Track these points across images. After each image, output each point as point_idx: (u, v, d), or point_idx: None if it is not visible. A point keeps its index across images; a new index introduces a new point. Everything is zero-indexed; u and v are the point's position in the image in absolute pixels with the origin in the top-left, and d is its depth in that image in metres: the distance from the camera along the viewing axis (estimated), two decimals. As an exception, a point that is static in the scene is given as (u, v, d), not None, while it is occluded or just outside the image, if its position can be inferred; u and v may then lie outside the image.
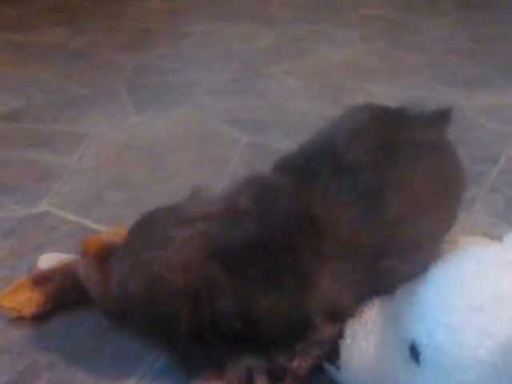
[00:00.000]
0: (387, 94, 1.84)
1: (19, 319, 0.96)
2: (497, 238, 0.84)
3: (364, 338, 0.78)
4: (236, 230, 0.75)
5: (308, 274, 0.75)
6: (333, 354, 0.79)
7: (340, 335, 0.79)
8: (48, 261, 1.06)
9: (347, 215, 0.77)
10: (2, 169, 1.42)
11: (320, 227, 0.76)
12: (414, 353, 0.74)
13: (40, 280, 0.99)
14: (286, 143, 1.47)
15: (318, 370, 0.82)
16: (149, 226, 0.79)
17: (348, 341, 0.78)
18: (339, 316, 0.77)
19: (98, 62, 2.11)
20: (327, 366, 0.81)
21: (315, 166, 0.80)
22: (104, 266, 0.83)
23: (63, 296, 0.99)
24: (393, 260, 0.79)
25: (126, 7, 2.84)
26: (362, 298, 0.79)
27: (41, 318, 0.97)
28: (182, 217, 0.78)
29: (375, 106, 0.94)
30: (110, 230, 1.12)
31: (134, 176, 1.39)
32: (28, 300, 0.97)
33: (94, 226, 1.20)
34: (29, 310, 0.97)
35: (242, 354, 0.78)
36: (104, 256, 0.84)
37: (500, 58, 2.25)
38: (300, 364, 0.78)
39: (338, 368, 0.79)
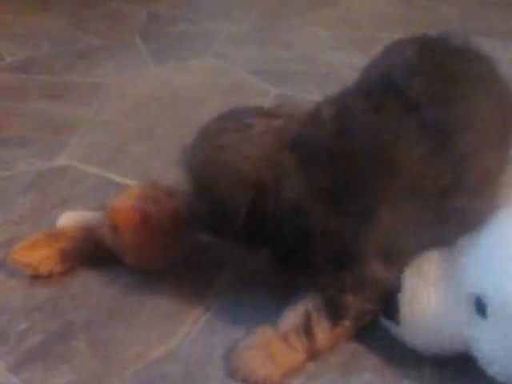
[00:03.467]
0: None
1: (44, 276, 0.95)
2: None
3: (425, 292, 0.77)
4: (316, 131, 0.77)
5: (372, 204, 0.75)
6: (391, 308, 0.79)
7: (397, 288, 0.78)
8: (69, 219, 1.04)
9: (417, 152, 0.77)
10: (16, 121, 1.41)
11: (391, 161, 0.76)
12: (480, 306, 0.73)
13: (59, 237, 0.97)
14: (317, 95, 1.45)
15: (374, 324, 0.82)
16: (227, 116, 0.83)
17: (407, 294, 0.78)
18: (394, 259, 0.77)
19: (107, 10, 2.09)
20: (385, 321, 0.81)
21: (381, 100, 0.80)
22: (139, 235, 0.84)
23: (83, 256, 0.97)
24: (463, 198, 0.79)
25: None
26: (424, 244, 0.79)
27: (61, 275, 0.96)
28: (264, 112, 0.82)
29: (423, 38, 0.94)
30: (137, 184, 1.12)
31: (156, 128, 1.38)
32: (45, 257, 0.95)
33: (118, 179, 1.20)
34: (45, 267, 0.95)
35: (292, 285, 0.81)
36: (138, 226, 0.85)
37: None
38: (354, 301, 0.78)
39: (398, 323, 0.79)
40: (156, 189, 0.91)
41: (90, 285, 0.95)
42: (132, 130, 1.37)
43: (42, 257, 0.95)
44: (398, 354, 0.81)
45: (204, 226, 0.83)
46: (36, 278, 0.95)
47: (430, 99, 0.81)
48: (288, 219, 0.76)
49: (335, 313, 0.79)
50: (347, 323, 0.79)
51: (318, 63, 1.69)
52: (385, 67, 0.87)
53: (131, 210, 0.88)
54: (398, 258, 0.78)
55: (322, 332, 0.78)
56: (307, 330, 0.78)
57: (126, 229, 0.87)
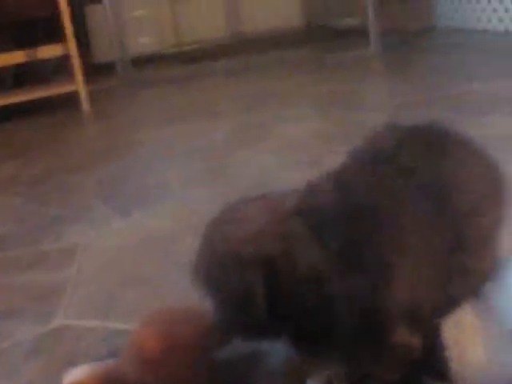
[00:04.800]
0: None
1: None
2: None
3: (471, 343, 0.76)
4: (318, 199, 0.76)
5: (387, 264, 0.73)
6: (442, 370, 0.76)
7: (433, 347, 0.76)
8: (77, 375, 0.99)
9: (417, 211, 0.77)
10: (2, 295, 1.36)
11: (396, 221, 0.76)
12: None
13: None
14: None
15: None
16: (217, 225, 0.80)
17: (455, 351, 0.76)
18: (417, 322, 0.75)
19: (55, 183, 2.09)
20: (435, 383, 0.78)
21: (375, 168, 0.81)
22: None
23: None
24: (464, 256, 0.79)
25: (68, 132, 2.85)
26: (438, 302, 0.78)
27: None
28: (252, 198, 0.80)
29: (402, 125, 0.97)
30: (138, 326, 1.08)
31: (142, 272, 1.35)
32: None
33: (120, 326, 1.15)
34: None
35: (319, 356, 0.75)
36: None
37: (447, 102, 2.34)
38: (383, 370, 0.75)
39: (451, 382, 0.76)
40: (175, 313, 0.88)
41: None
42: (118, 278, 1.34)
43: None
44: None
45: (232, 329, 0.79)
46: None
47: (422, 164, 0.82)
48: (307, 291, 0.73)
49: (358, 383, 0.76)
50: None
51: (274, 186, 1.71)
52: (372, 146, 0.88)
53: (159, 335, 0.84)
54: (420, 320, 0.76)
55: None
56: None
57: (156, 357, 0.83)
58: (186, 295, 1.15)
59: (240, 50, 4.51)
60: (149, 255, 1.44)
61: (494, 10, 4.15)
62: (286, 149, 2.06)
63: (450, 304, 0.80)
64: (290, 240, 0.73)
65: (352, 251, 0.73)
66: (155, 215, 1.67)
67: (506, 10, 4.07)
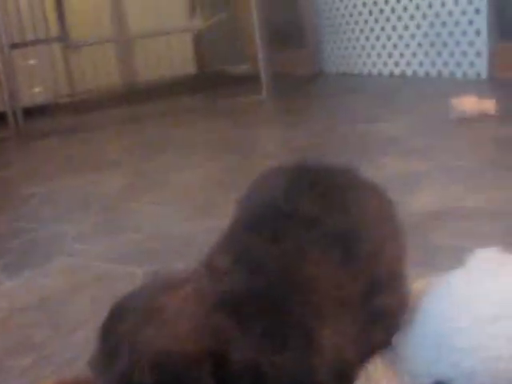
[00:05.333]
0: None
1: None
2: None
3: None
4: (231, 283, 0.71)
5: (310, 332, 0.72)
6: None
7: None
8: None
9: (327, 265, 0.74)
10: None
11: (308, 283, 0.73)
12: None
13: None
14: (182, 265, 1.43)
15: None
16: (125, 311, 0.72)
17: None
18: (346, 375, 0.73)
19: None
20: None
21: (272, 228, 0.78)
22: None
23: None
24: (380, 296, 0.78)
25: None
26: (364, 352, 0.76)
27: None
28: (161, 287, 0.72)
29: (295, 163, 0.94)
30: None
31: (33, 337, 1.27)
32: None
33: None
34: None
35: None
36: None
37: (341, 145, 2.37)
38: None
39: None
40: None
41: None
42: (7, 344, 1.25)
43: None
44: None
45: None
46: None
47: (322, 212, 0.80)
48: (242, 381, 0.69)
49: None
50: None
51: (171, 237, 1.67)
52: (264, 195, 0.85)
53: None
54: (350, 372, 0.74)
55: None
56: None
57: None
58: (79, 364, 1.09)
59: (134, 99, 4.45)
60: (40, 318, 1.35)
61: (378, 56, 4.29)
62: (182, 197, 2.02)
63: (372, 353, 0.79)
64: (220, 334, 0.68)
65: (274, 330, 0.70)
66: (48, 273, 1.58)
67: (390, 56, 4.21)
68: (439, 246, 1.37)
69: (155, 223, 1.81)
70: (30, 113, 4.22)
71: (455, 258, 1.14)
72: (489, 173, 1.83)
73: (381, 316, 0.78)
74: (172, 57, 4.92)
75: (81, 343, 1.19)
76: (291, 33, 5.10)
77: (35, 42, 4.33)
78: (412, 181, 1.83)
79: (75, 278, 1.53)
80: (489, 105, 2.53)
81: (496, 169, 1.87)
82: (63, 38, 3.89)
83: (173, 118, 3.64)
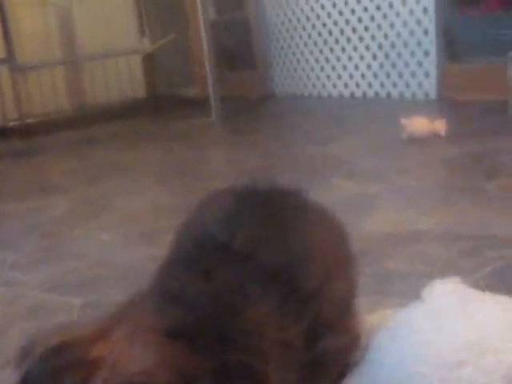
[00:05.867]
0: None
1: None
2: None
3: None
4: (173, 320, 0.64)
5: (256, 373, 0.64)
6: None
7: None
8: None
9: (267, 305, 0.66)
10: None
11: (247, 325, 0.65)
12: None
13: None
14: (122, 295, 1.33)
15: None
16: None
17: None
18: None
19: None
20: None
21: (208, 264, 0.69)
22: None
23: None
24: (325, 338, 0.70)
25: None
26: None
27: None
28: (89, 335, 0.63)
29: (235, 188, 0.86)
30: None
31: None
32: None
33: None
34: None
35: None
36: None
37: (292, 166, 2.31)
38: None
39: None
40: None
41: None
42: None
43: None
44: None
45: None
46: None
47: (262, 243, 0.71)
48: None
49: None
50: None
51: (114, 265, 1.58)
52: (201, 224, 0.77)
53: None
54: None
55: None
56: None
57: None
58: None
59: (83, 122, 4.33)
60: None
61: (328, 77, 4.26)
62: (126, 223, 1.93)
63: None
64: (182, 371, 0.61)
65: (222, 368, 0.63)
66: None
67: (339, 77, 4.19)
68: (393, 271, 1.31)
69: (98, 250, 1.71)
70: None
71: (410, 284, 1.07)
72: (439, 194, 1.79)
73: (327, 360, 0.70)
74: (122, 79, 4.81)
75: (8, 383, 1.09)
76: (242, 54, 5.06)
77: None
78: (363, 203, 1.77)
79: (9, 309, 1.42)
80: (438, 125, 2.50)
81: (446, 189, 1.83)
82: (9, 60, 3.75)
83: (122, 141, 3.54)
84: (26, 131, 4.38)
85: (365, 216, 1.65)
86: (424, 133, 2.49)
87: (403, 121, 2.52)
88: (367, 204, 1.76)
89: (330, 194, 1.89)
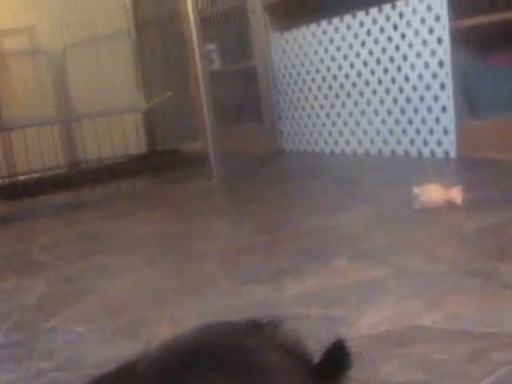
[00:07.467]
0: (192, 313, 1.77)
1: None
2: None
3: None
4: None
5: None
6: None
7: None
8: None
9: None
10: None
11: None
12: None
13: None
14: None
15: None
16: None
17: None
18: None
19: None
20: None
21: None
22: None
23: None
24: None
25: None
26: None
27: None
28: None
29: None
30: None
31: None
32: None
33: None
34: None
35: None
36: None
37: (292, 244, 2.31)
38: None
39: None
40: None
41: None
42: None
43: None
44: None
45: None
46: None
47: None
48: None
49: None
50: None
51: (85, 365, 1.56)
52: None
53: None
54: None
55: None
56: None
57: None
58: None
59: (76, 183, 4.36)
60: None
61: (340, 133, 4.28)
62: (106, 312, 1.92)
63: None
64: None
65: None
66: None
67: (352, 133, 4.21)
68: (388, 382, 1.28)
69: (69, 347, 1.69)
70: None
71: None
72: (449, 280, 1.76)
73: None
74: (116, 136, 4.85)
75: None
76: (249, 106, 5.10)
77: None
78: (364, 291, 1.75)
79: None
80: (453, 193, 2.49)
81: (457, 273, 1.81)
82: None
83: (113, 207, 3.56)
84: (11, 193, 4.41)
85: (363, 308, 1.63)
86: (438, 202, 2.48)
87: (415, 190, 2.52)
88: (367, 293, 1.74)
89: (328, 280, 1.87)
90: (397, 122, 3.85)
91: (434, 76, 3.54)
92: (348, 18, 4.05)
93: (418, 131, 3.72)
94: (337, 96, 4.26)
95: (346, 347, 1.03)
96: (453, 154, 3.54)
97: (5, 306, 2.11)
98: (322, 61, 4.33)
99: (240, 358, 0.85)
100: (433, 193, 2.51)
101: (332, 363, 1.01)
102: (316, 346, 1.42)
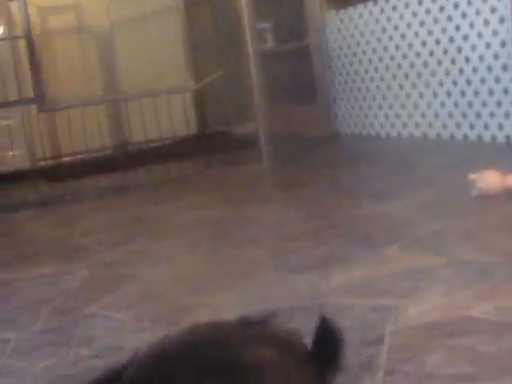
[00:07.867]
0: (235, 301, 1.77)
1: None
2: None
3: None
4: None
5: None
6: None
7: None
8: None
9: None
10: None
11: None
12: None
13: None
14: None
15: None
16: None
17: None
18: None
19: None
20: None
21: None
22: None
23: None
24: None
25: None
26: None
27: None
28: None
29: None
30: None
31: None
32: None
33: None
34: None
35: None
36: None
37: (342, 231, 2.29)
38: None
39: None
40: None
41: None
42: None
43: None
44: None
45: None
46: None
47: None
48: None
49: None
50: None
51: (123, 353, 1.57)
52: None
53: None
54: None
55: None
56: None
57: None
58: None
59: (123, 165, 4.39)
60: None
61: (397, 116, 4.23)
62: (146, 299, 1.93)
63: None
64: None
65: None
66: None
67: (410, 116, 4.15)
68: (433, 374, 1.26)
69: (108, 334, 1.70)
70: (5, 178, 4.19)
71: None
72: (503, 269, 1.73)
73: None
74: (164, 117, 4.87)
75: None
76: (303, 89, 5.07)
77: (13, 104, 4.32)
78: (414, 281, 1.72)
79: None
80: (511, 180, 2.44)
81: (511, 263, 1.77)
82: (37, 99, 3.82)
83: (159, 191, 3.58)
84: (58, 174, 4.46)
85: (412, 297, 1.61)
86: (496, 189, 2.43)
87: (472, 176, 2.47)
88: (418, 282, 1.71)
89: (379, 268, 1.85)
90: (456, 104, 3.78)
91: (496, 57, 3.46)
92: (406, -5, 3.99)
93: (478, 115, 3.65)
94: (394, 77, 4.20)
95: (332, 325, 1.02)
96: (515, 139, 3.46)
97: (44, 292, 2.14)
98: (379, 40, 4.28)
99: (228, 357, 0.88)
100: (490, 179, 2.45)
101: (325, 348, 1.01)
102: (364, 337, 1.42)
